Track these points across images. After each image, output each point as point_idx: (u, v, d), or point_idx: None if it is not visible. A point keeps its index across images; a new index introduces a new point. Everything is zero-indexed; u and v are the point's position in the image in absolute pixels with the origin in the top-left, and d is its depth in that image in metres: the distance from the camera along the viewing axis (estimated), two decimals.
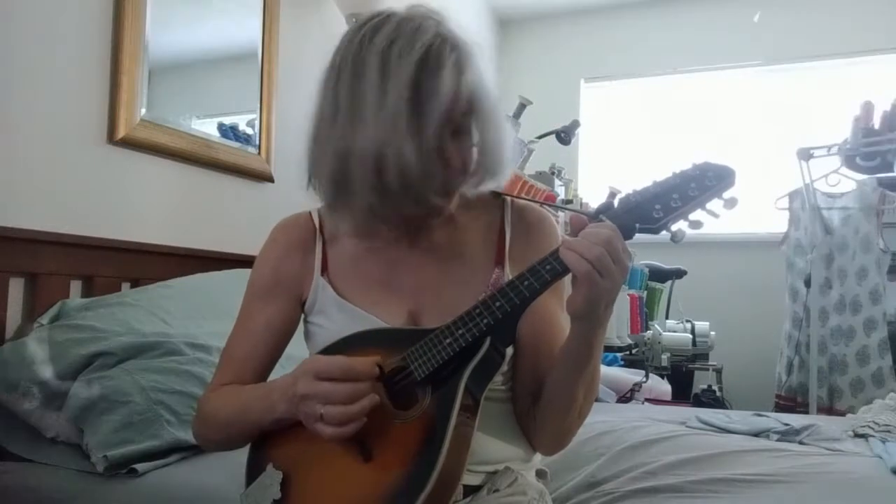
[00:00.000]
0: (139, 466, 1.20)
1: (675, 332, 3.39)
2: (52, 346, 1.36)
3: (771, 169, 3.70)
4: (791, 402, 3.28)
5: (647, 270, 3.51)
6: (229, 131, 2.14)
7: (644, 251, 3.61)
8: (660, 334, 3.20)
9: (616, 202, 0.79)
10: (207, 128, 2.06)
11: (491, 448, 0.90)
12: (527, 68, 4.37)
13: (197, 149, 1.97)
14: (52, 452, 1.29)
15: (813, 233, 3.24)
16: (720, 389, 3.30)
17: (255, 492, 0.86)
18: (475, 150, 0.88)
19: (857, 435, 1.55)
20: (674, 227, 0.77)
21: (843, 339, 3.11)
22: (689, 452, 1.32)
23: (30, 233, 1.47)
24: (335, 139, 0.85)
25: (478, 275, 0.94)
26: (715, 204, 0.77)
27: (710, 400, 3.14)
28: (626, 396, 2.68)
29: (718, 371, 3.39)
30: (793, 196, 3.37)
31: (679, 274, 3.71)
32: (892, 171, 3.16)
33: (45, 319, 1.45)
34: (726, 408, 2.90)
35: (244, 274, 1.06)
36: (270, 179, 2.29)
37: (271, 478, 0.85)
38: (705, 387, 3.27)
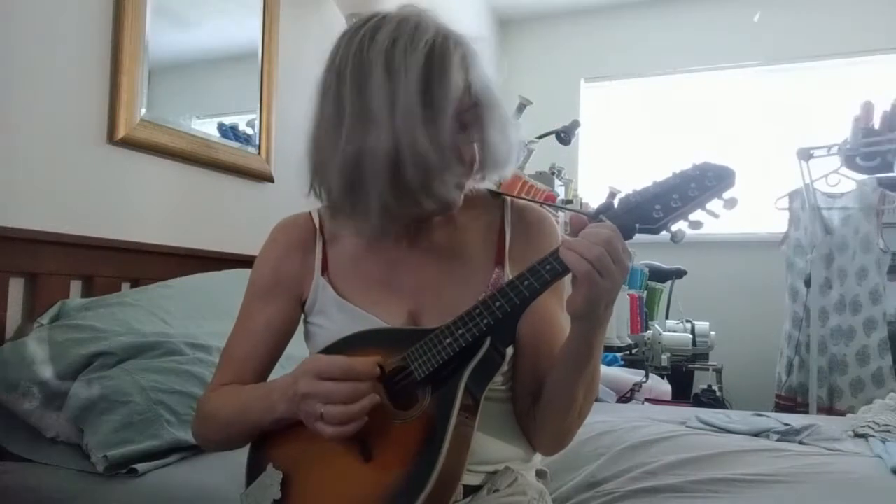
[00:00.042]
0: (139, 466, 1.20)
1: (675, 332, 3.39)
2: (52, 346, 1.36)
3: (771, 169, 3.70)
4: (791, 402, 3.28)
5: (647, 270, 3.50)
6: (229, 131, 2.14)
7: (644, 251, 3.61)
8: (660, 334, 3.20)
9: (616, 202, 0.79)
10: (207, 128, 2.06)
11: (491, 448, 0.90)
12: (527, 68, 4.37)
13: (197, 149, 1.97)
14: (52, 452, 1.29)
15: (813, 233, 3.24)
16: (720, 389, 3.30)
17: (255, 492, 0.86)
18: (481, 144, 0.89)
19: (857, 435, 1.55)
20: (674, 228, 0.77)
21: (843, 339, 3.11)
22: (689, 452, 1.32)
23: (30, 233, 1.47)
24: (343, 143, 0.84)
25: (478, 275, 0.94)
26: (715, 204, 0.77)
27: (710, 400, 3.14)
28: (626, 396, 2.68)
29: (718, 371, 3.39)
30: (793, 196, 3.37)
31: (679, 274, 3.71)
32: (892, 171, 3.16)
33: (45, 319, 1.45)
34: (726, 408, 2.90)
35: (244, 274, 1.06)
36: (270, 179, 2.29)
37: (271, 478, 0.85)
38: (705, 387, 3.27)
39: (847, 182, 3.23)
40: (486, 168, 0.91)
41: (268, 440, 0.89)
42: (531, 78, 4.15)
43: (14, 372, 1.32)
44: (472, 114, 0.87)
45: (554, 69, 4.42)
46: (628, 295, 3.17)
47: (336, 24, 2.58)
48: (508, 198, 1.01)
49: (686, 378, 3.44)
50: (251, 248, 1.31)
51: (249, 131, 2.24)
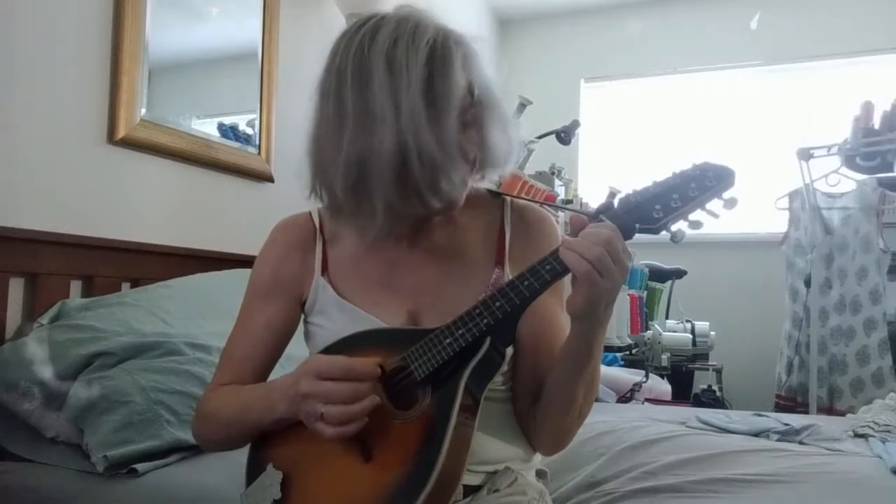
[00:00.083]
0: (139, 466, 1.20)
1: (675, 332, 3.39)
2: (52, 346, 1.36)
3: (771, 169, 3.70)
4: (791, 402, 3.28)
5: (647, 270, 3.50)
6: (229, 131, 2.14)
7: (644, 251, 3.61)
8: (660, 334, 3.20)
9: (616, 202, 0.79)
10: (207, 128, 2.06)
11: (491, 448, 0.90)
12: (527, 68, 4.37)
13: (197, 149, 1.97)
14: (52, 452, 1.29)
15: (813, 233, 3.24)
16: (720, 389, 3.30)
17: (255, 492, 0.86)
18: (481, 143, 0.89)
19: (857, 435, 1.55)
20: (674, 228, 0.77)
21: (843, 339, 3.11)
22: (689, 452, 1.32)
23: (30, 233, 1.47)
24: (346, 144, 0.84)
25: (478, 275, 0.94)
26: (715, 204, 0.77)
27: (710, 400, 3.13)
28: (626, 396, 2.68)
29: (718, 371, 3.39)
30: (793, 196, 3.37)
31: (679, 274, 3.71)
32: (892, 171, 3.16)
33: (45, 319, 1.45)
34: (726, 408, 2.90)
35: (244, 274, 1.06)
36: (270, 179, 2.29)
37: (271, 478, 0.85)
38: (705, 387, 3.27)
39: (847, 182, 3.23)
40: (485, 167, 0.92)
41: (268, 440, 0.89)
42: (531, 78, 4.15)
43: (14, 372, 1.32)
44: (473, 113, 0.87)
45: (554, 69, 4.42)
46: (628, 295, 3.17)
47: (336, 24, 2.58)
48: (508, 198, 1.01)
49: (686, 378, 3.44)
50: (251, 248, 1.31)
51: (249, 131, 2.24)
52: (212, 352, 1.43)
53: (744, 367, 3.69)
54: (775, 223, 3.53)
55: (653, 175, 0.79)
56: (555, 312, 0.93)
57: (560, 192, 3.18)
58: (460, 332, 0.80)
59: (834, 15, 3.90)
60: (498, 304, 0.79)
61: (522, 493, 0.89)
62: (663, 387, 3.01)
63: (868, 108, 3.19)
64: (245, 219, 2.17)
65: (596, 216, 0.79)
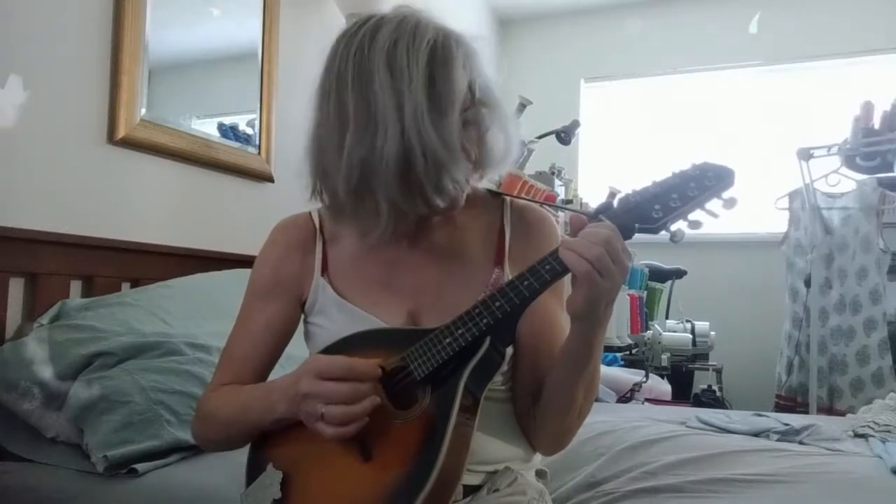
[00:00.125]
0: (139, 466, 1.20)
1: (675, 332, 3.39)
2: (52, 346, 1.36)
3: (771, 169, 3.70)
4: (791, 402, 3.28)
5: (647, 270, 3.50)
6: (229, 131, 2.14)
7: (644, 251, 3.61)
8: (660, 334, 3.20)
9: (615, 202, 0.79)
10: (207, 128, 2.06)
11: (491, 448, 0.90)
12: (527, 68, 4.37)
13: (197, 149, 1.97)
14: (52, 452, 1.29)
15: (813, 233, 3.24)
16: (720, 389, 3.29)
17: (255, 492, 0.86)
18: (482, 142, 0.89)
19: (857, 435, 1.55)
20: (673, 227, 0.77)
21: (843, 339, 3.11)
22: (689, 452, 1.32)
23: (30, 233, 1.47)
24: (349, 146, 0.84)
25: (477, 275, 0.94)
26: (714, 204, 0.77)
27: (710, 400, 3.13)
28: (626, 396, 2.68)
29: (718, 371, 3.39)
30: (793, 196, 3.37)
31: (679, 274, 3.71)
32: (892, 171, 3.16)
33: (45, 319, 1.46)
34: (726, 408, 2.90)
35: (244, 274, 1.06)
36: (270, 179, 2.29)
37: (271, 478, 0.85)
38: (705, 387, 3.26)
39: (847, 182, 3.23)
40: (485, 166, 0.92)
41: (268, 440, 0.89)
42: (531, 78, 4.15)
43: (14, 372, 1.32)
44: (474, 112, 0.87)
45: (554, 69, 4.42)
46: (628, 295, 3.17)
47: (336, 24, 2.58)
48: (508, 198, 1.01)
49: (686, 378, 3.44)
50: (251, 248, 1.31)
51: (249, 131, 2.24)
52: (212, 352, 1.43)
53: (744, 367, 3.69)
54: (775, 223, 3.53)
55: (653, 175, 0.79)
56: (555, 312, 0.93)
57: (560, 192, 3.18)
58: (460, 331, 0.80)
59: (834, 15, 3.90)
60: (498, 303, 0.79)
61: (522, 492, 0.89)
62: (663, 387, 3.01)
63: (868, 108, 3.19)
64: (245, 219, 2.17)
65: (595, 216, 0.79)
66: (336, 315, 0.94)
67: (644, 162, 4.15)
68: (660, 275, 3.68)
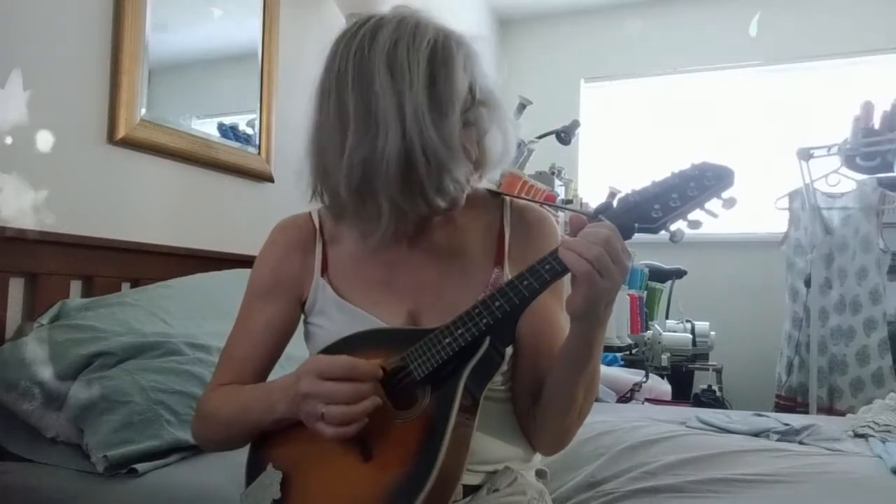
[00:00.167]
0: (139, 466, 1.20)
1: (675, 332, 3.39)
2: (52, 346, 1.36)
3: (771, 169, 3.70)
4: (791, 402, 3.28)
5: (647, 270, 3.50)
6: (229, 131, 2.14)
7: (644, 251, 3.61)
8: (660, 334, 3.20)
9: (615, 202, 0.79)
10: (207, 128, 2.06)
11: (491, 448, 0.90)
12: (527, 68, 4.37)
13: (197, 149, 1.97)
14: (52, 452, 1.29)
15: (813, 233, 3.24)
16: (720, 389, 3.30)
17: (255, 492, 0.86)
18: (481, 142, 0.89)
19: (857, 435, 1.55)
20: (673, 227, 0.77)
21: (843, 339, 3.11)
22: (689, 452, 1.32)
23: (30, 233, 1.47)
24: (350, 146, 0.84)
25: (477, 275, 0.94)
26: (714, 204, 0.77)
27: (710, 400, 3.13)
28: (626, 396, 2.68)
29: (718, 371, 3.39)
30: (793, 196, 3.37)
31: (679, 274, 3.71)
32: (892, 171, 3.16)
33: (45, 319, 1.46)
34: (726, 408, 2.90)
35: (244, 274, 1.06)
36: (270, 179, 2.29)
37: (271, 478, 0.85)
38: (705, 387, 3.27)
39: (847, 182, 3.23)
40: (485, 166, 0.92)
41: (268, 440, 0.89)
42: (531, 78, 4.15)
43: (14, 372, 1.32)
44: (474, 112, 0.87)
45: (554, 69, 4.42)
46: (628, 295, 3.17)
47: (336, 24, 2.58)
48: (508, 198, 1.01)
49: (686, 378, 3.44)
50: (251, 248, 1.31)
51: (249, 131, 2.24)
52: (212, 352, 1.43)
53: (744, 367, 3.69)
54: (775, 223, 3.53)
55: (652, 175, 0.79)
56: (554, 312, 0.93)
57: (560, 192, 3.18)
58: (459, 331, 0.80)
59: (834, 15, 3.90)
60: (497, 303, 0.79)
61: (522, 492, 0.89)
62: (663, 387, 3.01)
63: (868, 108, 3.19)
64: (245, 219, 2.17)
65: (595, 216, 0.79)
66: (336, 315, 0.94)
67: (644, 162, 4.15)
68: (660, 275, 3.68)
